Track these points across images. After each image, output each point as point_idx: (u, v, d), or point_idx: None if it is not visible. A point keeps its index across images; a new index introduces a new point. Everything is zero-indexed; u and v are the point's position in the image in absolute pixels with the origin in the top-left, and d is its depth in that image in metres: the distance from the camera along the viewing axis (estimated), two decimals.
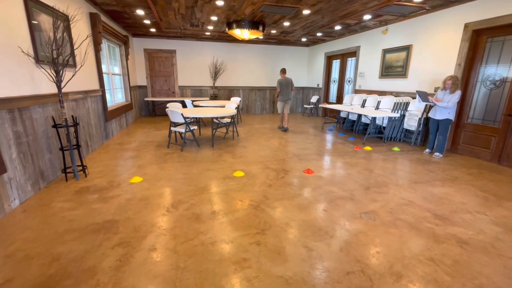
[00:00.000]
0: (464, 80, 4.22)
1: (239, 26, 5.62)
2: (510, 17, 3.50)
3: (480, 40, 4.01)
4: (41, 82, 2.78)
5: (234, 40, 8.01)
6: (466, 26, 4.05)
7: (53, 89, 2.99)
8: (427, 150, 4.42)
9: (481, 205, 2.56)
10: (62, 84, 2.76)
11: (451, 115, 3.99)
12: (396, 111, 5.14)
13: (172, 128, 4.48)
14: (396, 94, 5.52)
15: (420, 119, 4.72)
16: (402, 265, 1.69)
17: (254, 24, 5.66)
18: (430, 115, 4.28)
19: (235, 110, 4.94)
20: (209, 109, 5.02)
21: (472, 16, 3.98)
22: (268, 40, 8.07)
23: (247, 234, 2.01)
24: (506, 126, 3.74)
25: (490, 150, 3.97)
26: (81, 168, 3.20)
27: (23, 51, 2.50)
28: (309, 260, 1.72)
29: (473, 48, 4.08)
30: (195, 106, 6.36)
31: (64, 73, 2.75)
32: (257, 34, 5.92)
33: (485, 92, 4.02)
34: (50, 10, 2.96)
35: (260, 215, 2.29)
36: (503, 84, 3.78)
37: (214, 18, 5.48)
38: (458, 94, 3.87)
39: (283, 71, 6.04)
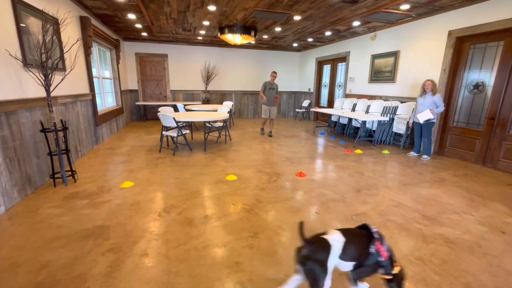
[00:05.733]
0: (449, 85, 4.37)
1: (231, 31, 5.67)
2: (491, 25, 3.67)
3: (463, 47, 4.17)
4: (29, 85, 2.73)
5: (226, 44, 8.06)
6: (450, 33, 4.22)
7: (42, 93, 2.93)
8: (412, 153, 4.53)
9: (467, 205, 2.64)
10: (51, 88, 2.72)
11: (434, 117, 4.11)
12: (385, 115, 5.26)
13: (164, 133, 4.45)
14: (385, 98, 5.65)
15: (408, 122, 4.85)
16: None
17: (246, 29, 5.72)
18: (413, 119, 4.40)
19: (228, 114, 4.96)
20: (201, 113, 5.01)
21: (455, 23, 4.15)
22: (260, 45, 8.15)
23: (240, 237, 2.01)
24: (489, 129, 3.88)
25: (475, 152, 4.10)
26: (70, 173, 3.13)
27: (10, 54, 2.45)
28: None
29: (457, 54, 4.24)
30: (187, 110, 6.34)
31: (53, 77, 2.71)
32: (249, 39, 5.98)
33: (468, 96, 4.17)
34: (39, 13, 2.92)
35: (252, 218, 2.30)
36: (485, 88, 3.93)
37: (206, 23, 5.51)
38: (440, 95, 4.05)
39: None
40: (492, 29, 3.66)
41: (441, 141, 4.62)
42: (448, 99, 4.41)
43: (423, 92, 4.14)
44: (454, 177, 3.46)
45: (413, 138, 4.93)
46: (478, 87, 4.02)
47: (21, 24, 2.61)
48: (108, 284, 1.51)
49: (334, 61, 7.65)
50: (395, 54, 5.33)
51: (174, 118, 4.10)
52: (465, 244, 1.97)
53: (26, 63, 2.66)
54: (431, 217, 2.37)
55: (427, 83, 4.03)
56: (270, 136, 6.06)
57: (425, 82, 4.08)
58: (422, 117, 4.10)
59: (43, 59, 2.60)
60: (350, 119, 6.04)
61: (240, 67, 8.92)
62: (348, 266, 1.29)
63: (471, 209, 2.57)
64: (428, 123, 4.14)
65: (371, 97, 6.06)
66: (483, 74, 3.95)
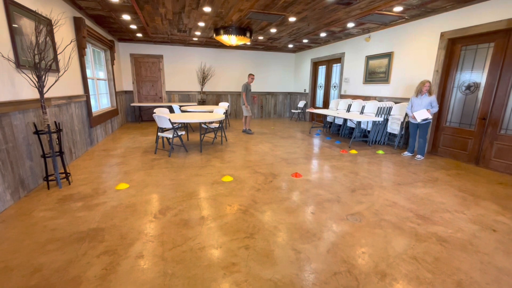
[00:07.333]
0: (441, 86, 4.44)
1: (227, 32, 5.68)
2: (481, 27, 3.74)
3: (455, 48, 4.24)
4: (22, 87, 2.70)
5: (221, 46, 8.06)
6: (442, 35, 4.29)
7: (35, 95, 2.90)
8: (406, 152, 4.58)
9: (459, 204, 2.68)
10: (45, 90, 2.69)
11: (430, 117, 4.18)
12: (379, 116, 5.31)
13: (160, 134, 4.43)
14: (380, 99, 5.71)
15: (402, 123, 4.91)
16: (386, 264, 1.74)
17: (241, 30, 5.73)
18: (409, 119, 4.45)
19: (223, 115, 4.96)
20: (197, 114, 5.00)
21: (447, 25, 4.22)
22: (255, 46, 8.17)
23: (236, 238, 2.01)
24: (481, 129, 3.95)
25: (467, 152, 4.17)
26: (64, 175, 3.11)
27: (3, 56, 2.43)
28: (297, 262, 1.75)
29: (449, 56, 4.31)
30: (182, 111, 6.32)
31: (46, 78, 2.68)
32: (245, 40, 5.99)
33: (461, 97, 4.24)
34: (32, 14, 2.89)
35: (248, 219, 2.31)
36: (476, 89, 4.00)
37: (201, 24, 5.51)
38: (435, 96, 4.11)
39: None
40: (482, 31, 3.74)
41: (434, 141, 4.68)
42: (441, 100, 4.48)
43: (419, 92, 4.18)
44: (447, 177, 3.51)
45: (407, 138, 5.00)
46: (470, 88, 4.10)
47: (13, 25, 2.58)
48: (103, 287, 1.50)
49: (329, 62, 7.71)
50: (389, 55, 5.39)
51: (169, 119, 4.09)
52: (457, 242, 2.01)
53: (19, 64, 2.63)
54: (425, 216, 2.41)
55: (427, 84, 4.06)
56: (252, 133, 6.42)
57: (424, 82, 4.09)
58: (419, 116, 4.14)
59: (36, 60, 2.58)
60: (345, 120, 6.09)
61: (236, 68, 8.93)
62: None
63: (463, 207, 2.61)
64: (425, 123, 4.19)
65: (366, 98, 6.12)
66: (475, 75, 4.02)
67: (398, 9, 4.19)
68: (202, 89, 8.63)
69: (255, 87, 9.28)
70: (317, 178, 3.38)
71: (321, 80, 8.25)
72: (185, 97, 8.64)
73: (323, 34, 6.24)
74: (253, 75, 6.30)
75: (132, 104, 7.73)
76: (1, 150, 2.37)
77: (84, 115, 4.43)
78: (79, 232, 2.05)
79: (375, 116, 5.35)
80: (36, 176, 2.91)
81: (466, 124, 4.17)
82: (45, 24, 3.12)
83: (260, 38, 6.90)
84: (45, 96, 3.04)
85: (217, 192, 2.89)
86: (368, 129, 5.55)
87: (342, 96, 7.04)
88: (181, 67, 8.35)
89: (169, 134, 4.30)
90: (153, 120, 8.19)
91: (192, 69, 8.46)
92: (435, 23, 4.41)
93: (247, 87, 6.16)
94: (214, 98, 8.92)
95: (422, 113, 4.11)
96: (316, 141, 5.68)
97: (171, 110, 7.55)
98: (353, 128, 6.01)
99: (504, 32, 3.59)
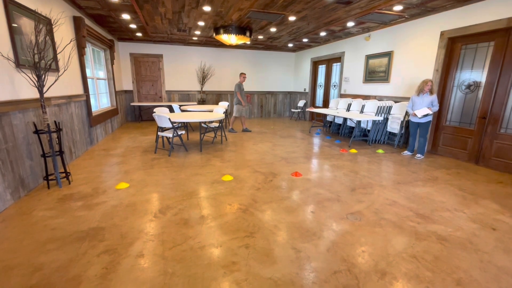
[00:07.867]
0: (441, 85, 4.44)
1: (227, 31, 5.68)
2: (481, 26, 3.74)
3: (455, 47, 4.24)
4: (21, 86, 2.69)
5: (221, 45, 8.05)
6: (442, 34, 4.28)
7: (35, 94, 2.90)
8: (406, 152, 4.58)
9: (459, 203, 2.69)
10: (44, 89, 2.69)
11: (430, 116, 4.17)
12: (379, 115, 5.31)
13: (159, 133, 4.43)
14: (380, 98, 5.71)
15: (402, 122, 4.91)
16: (386, 262, 1.75)
17: (241, 30, 5.73)
18: (410, 118, 4.45)
19: (223, 115, 4.96)
20: (197, 114, 5.00)
21: (447, 24, 4.22)
22: (255, 45, 8.16)
23: (236, 237, 2.01)
24: (481, 128, 3.95)
25: (467, 151, 4.17)
26: (64, 175, 3.11)
27: (2, 55, 2.42)
28: (297, 261, 1.75)
29: (449, 55, 4.31)
30: (182, 110, 6.32)
31: (46, 78, 2.68)
32: (244, 40, 5.99)
33: (460, 96, 4.24)
34: (31, 14, 2.89)
35: (248, 218, 2.31)
36: (476, 88, 4.00)
37: (201, 23, 5.51)
38: (436, 95, 4.10)
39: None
40: (482, 30, 3.73)
41: (434, 140, 4.68)
42: (441, 99, 4.47)
43: (421, 91, 4.15)
44: (447, 176, 3.51)
45: (407, 137, 5.00)
46: (470, 87, 4.09)
47: (13, 25, 2.58)
48: (103, 286, 1.51)
49: (329, 61, 7.70)
50: (388, 55, 5.39)
51: (169, 118, 4.09)
52: (457, 241, 2.01)
53: (18, 64, 2.63)
54: (424, 215, 2.41)
55: (429, 83, 4.03)
56: (235, 132, 6.48)
57: (426, 81, 4.05)
58: (420, 113, 4.12)
59: (36, 59, 2.57)
60: (345, 119, 6.09)
61: (236, 67, 8.92)
62: None
63: (463, 206, 2.61)
64: (426, 122, 4.18)
65: (366, 97, 6.12)
66: (475, 74, 4.02)
67: (398, 8, 4.19)
68: (202, 88, 8.62)
69: (255, 87, 9.28)
70: (317, 177, 3.38)
71: (321, 79, 8.25)
72: (185, 97, 8.63)
73: (323, 33, 6.23)
74: (245, 74, 6.35)
75: (132, 104, 7.73)
76: (1, 150, 2.37)
77: (84, 115, 4.43)
78: (79, 232, 2.06)
79: (375, 115, 5.35)
80: (36, 176, 2.91)
81: (466, 123, 4.17)
82: (45, 24, 3.12)
83: (260, 37, 6.90)
84: (45, 95, 3.04)
85: (217, 191, 2.89)
86: (368, 128, 5.55)
87: (342, 95, 7.04)
88: (181, 67, 8.34)
89: (169, 134, 4.30)
90: (153, 120, 8.19)
91: (192, 69, 8.45)
92: (435, 22, 4.40)
93: (240, 86, 6.20)
94: (214, 98, 8.91)
95: (423, 110, 4.11)
96: (316, 141, 5.68)
97: (171, 109, 7.55)
98: (353, 127, 6.00)
99: (504, 31, 3.58)
